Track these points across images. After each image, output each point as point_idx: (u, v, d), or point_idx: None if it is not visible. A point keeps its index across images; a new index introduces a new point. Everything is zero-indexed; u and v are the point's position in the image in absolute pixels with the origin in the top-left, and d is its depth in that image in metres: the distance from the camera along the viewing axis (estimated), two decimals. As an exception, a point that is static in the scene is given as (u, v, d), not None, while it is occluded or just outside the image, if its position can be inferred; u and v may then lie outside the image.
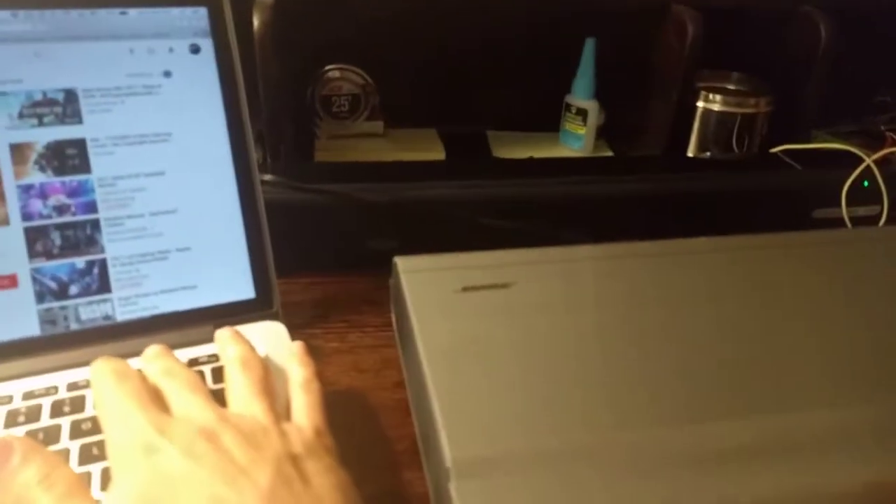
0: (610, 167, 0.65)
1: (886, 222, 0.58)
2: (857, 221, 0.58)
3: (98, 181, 0.39)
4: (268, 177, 0.48)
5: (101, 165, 0.39)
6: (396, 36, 0.64)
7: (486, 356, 0.33)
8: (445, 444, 0.28)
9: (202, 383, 0.31)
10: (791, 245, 0.46)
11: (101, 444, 0.32)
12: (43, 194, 0.38)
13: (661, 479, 0.28)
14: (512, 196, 0.53)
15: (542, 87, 0.69)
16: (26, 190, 0.38)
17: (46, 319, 0.38)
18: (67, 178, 0.38)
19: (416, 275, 0.39)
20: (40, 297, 0.38)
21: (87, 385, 0.36)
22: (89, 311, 0.39)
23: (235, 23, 0.42)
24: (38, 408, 0.34)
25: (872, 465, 0.30)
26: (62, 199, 0.38)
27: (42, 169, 0.38)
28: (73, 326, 0.39)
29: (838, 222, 0.58)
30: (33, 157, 0.38)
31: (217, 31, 0.42)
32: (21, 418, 0.34)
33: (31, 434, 0.33)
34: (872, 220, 0.58)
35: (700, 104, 0.65)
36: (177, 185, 0.41)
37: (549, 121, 0.71)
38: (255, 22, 0.51)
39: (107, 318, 0.39)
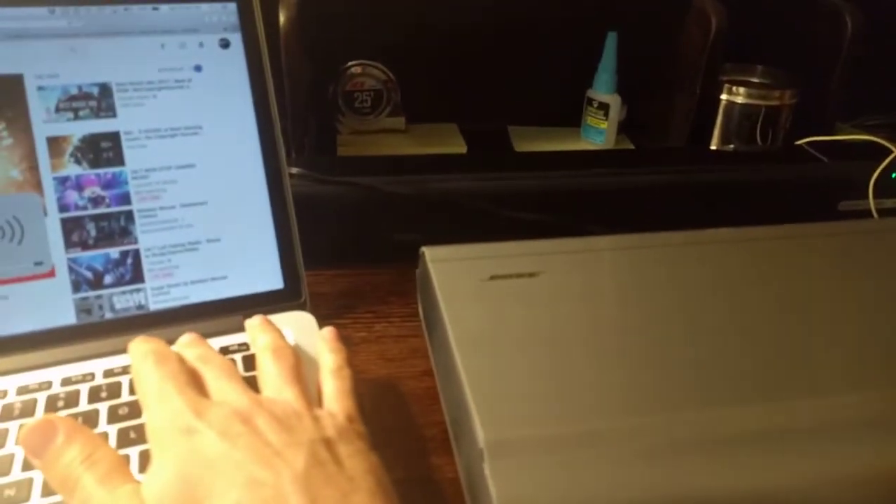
0: (632, 160, 0.65)
1: (914, 214, 0.57)
2: (884, 213, 0.57)
3: (131, 173, 0.40)
4: (295, 170, 0.49)
5: (134, 158, 0.40)
6: (418, 32, 0.65)
7: (514, 342, 0.34)
8: (478, 426, 0.28)
9: (236, 370, 0.31)
10: (814, 235, 0.45)
11: (137, 429, 0.33)
12: (79, 186, 0.39)
13: (691, 461, 0.28)
14: (535, 188, 0.54)
15: (564, 81, 0.69)
16: (62, 182, 0.39)
17: (82, 308, 0.39)
18: (102, 171, 0.39)
19: (444, 264, 0.39)
20: (76, 287, 0.39)
21: (122, 372, 0.37)
22: (123, 300, 0.40)
23: (262, 19, 0.43)
24: (77, 393, 0.35)
25: (886, 450, 0.29)
26: (97, 190, 0.39)
27: (78, 161, 0.39)
28: (108, 315, 0.39)
29: (865, 214, 0.57)
30: (69, 149, 0.39)
31: (246, 26, 0.42)
32: (60, 403, 0.35)
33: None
34: (900, 212, 0.58)
35: (724, 97, 0.65)
36: (207, 178, 0.41)
37: (570, 116, 0.71)
38: (282, 18, 0.52)
39: (140, 307, 0.40)
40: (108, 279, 0.39)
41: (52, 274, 0.38)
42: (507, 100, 0.71)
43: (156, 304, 0.40)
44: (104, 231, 0.39)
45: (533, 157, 0.64)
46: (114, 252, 0.40)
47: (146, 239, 0.40)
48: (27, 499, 0.30)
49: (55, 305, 0.38)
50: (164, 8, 0.41)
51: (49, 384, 0.36)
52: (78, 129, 0.39)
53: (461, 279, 0.38)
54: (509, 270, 0.38)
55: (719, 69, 0.64)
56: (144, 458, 0.31)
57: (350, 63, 0.65)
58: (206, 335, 0.37)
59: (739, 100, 0.65)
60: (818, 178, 0.59)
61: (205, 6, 0.42)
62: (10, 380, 0.36)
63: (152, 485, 0.25)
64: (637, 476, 0.27)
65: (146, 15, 0.40)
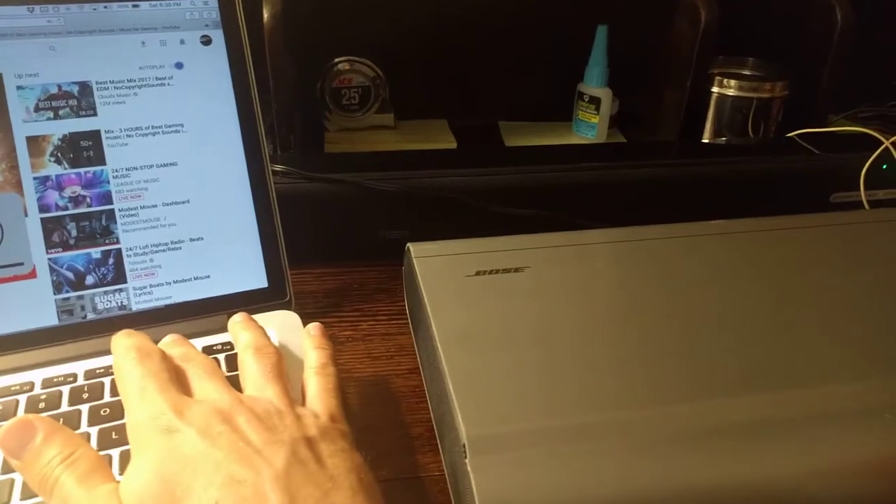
0: (624, 153, 0.64)
1: (906, 205, 0.57)
2: (875, 204, 0.57)
3: (112, 172, 0.40)
4: (279, 167, 0.48)
5: (115, 157, 0.40)
6: (407, 27, 0.64)
7: (498, 338, 0.33)
8: (461, 422, 0.28)
9: (218, 369, 0.31)
10: (806, 226, 0.45)
11: (119, 429, 0.33)
12: (59, 186, 0.39)
13: (670, 456, 0.28)
14: (525, 183, 0.53)
15: (554, 76, 0.69)
16: (43, 182, 0.38)
17: (64, 309, 0.38)
18: (83, 170, 0.39)
19: (429, 260, 0.39)
20: (58, 288, 0.38)
21: (104, 373, 0.36)
22: (105, 300, 0.39)
23: (246, 15, 0.42)
24: (58, 395, 0.35)
25: (880, 440, 0.29)
26: (78, 190, 0.39)
27: (58, 161, 0.39)
28: (90, 316, 0.39)
29: (857, 206, 0.57)
30: (49, 149, 0.38)
31: (228, 22, 0.42)
32: (42, 405, 0.34)
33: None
34: (892, 204, 0.57)
35: (715, 90, 0.65)
36: (189, 176, 0.41)
37: (561, 110, 0.71)
38: (265, 14, 0.51)
39: (122, 307, 0.40)
40: (89, 279, 0.39)
41: (33, 275, 0.38)
42: (497, 95, 0.70)
43: (138, 304, 0.40)
44: (85, 231, 0.39)
45: (523, 151, 0.64)
46: (95, 252, 0.39)
47: (128, 238, 0.40)
48: (7, 501, 0.29)
49: (36, 306, 0.38)
50: (145, 5, 0.40)
51: (31, 385, 0.35)
52: (58, 129, 0.39)
53: (446, 275, 0.38)
54: (495, 266, 0.38)
55: (710, 62, 0.64)
56: (126, 459, 0.31)
57: (337, 59, 0.65)
58: (190, 335, 0.36)
59: (731, 92, 0.65)
60: (810, 170, 0.59)
61: (186, 3, 0.41)
62: (-9, 382, 0.35)
63: (131, 484, 0.25)
64: (621, 470, 0.27)
65: (126, 13, 0.40)
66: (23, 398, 0.35)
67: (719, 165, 0.58)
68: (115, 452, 0.32)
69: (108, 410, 0.34)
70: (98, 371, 0.37)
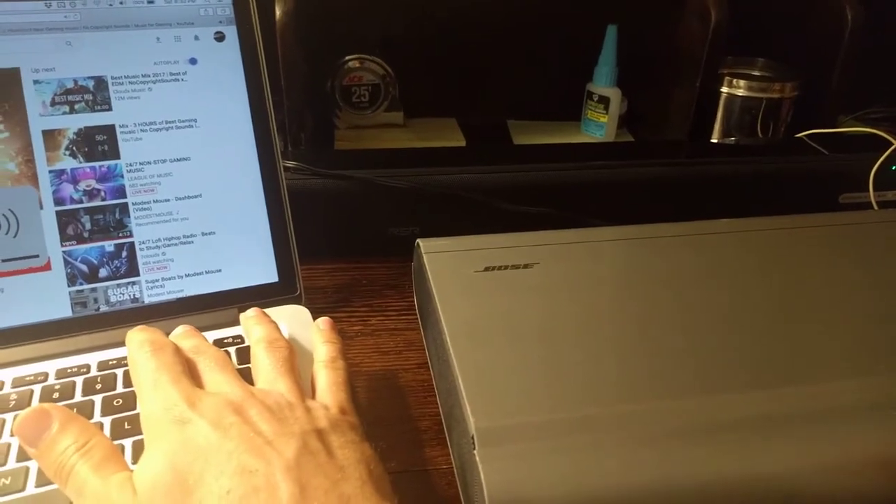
0: (632, 152, 0.64)
1: (915, 206, 0.57)
2: (885, 205, 0.57)
3: (126, 166, 0.40)
4: (290, 163, 0.49)
5: (129, 151, 0.40)
6: (417, 26, 0.65)
7: (507, 332, 0.34)
8: (469, 414, 0.28)
9: (230, 362, 0.32)
10: (813, 225, 0.45)
11: (132, 420, 0.33)
12: (74, 179, 0.39)
13: (674, 449, 0.28)
14: (534, 181, 0.53)
15: (563, 75, 0.69)
16: (58, 175, 0.39)
17: (77, 301, 0.39)
18: (97, 164, 0.39)
19: (439, 255, 0.39)
20: (72, 280, 0.39)
21: (117, 364, 0.37)
22: (118, 293, 0.40)
23: (258, 12, 0.43)
24: (72, 385, 0.35)
25: (883, 436, 0.29)
26: (92, 183, 0.39)
27: (73, 155, 0.39)
28: (103, 308, 0.39)
29: (866, 206, 0.57)
30: (65, 143, 0.39)
31: (241, 19, 0.42)
32: (56, 395, 0.35)
33: (65, 410, 0.34)
34: (901, 205, 0.57)
35: (724, 90, 0.65)
36: (202, 171, 0.41)
37: (570, 110, 0.71)
38: (278, 11, 0.52)
39: (135, 300, 0.40)
40: (103, 272, 0.39)
41: (47, 267, 0.38)
42: (506, 94, 0.71)
43: (150, 297, 0.40)
44: (99, 224, 0.39)
45: (532, 149, 0.64)
46: (109, 245, 0.40)
47: (141, 232, 0.40)
48: (22, 488, 0.30)
49: (51, 298, 0.38)
50: (160, 1, 0.41)
51: (45, 376, 0.36)
52: (73, 123, 0.39)
53: (455, 270, 0.38)
54: (503, 262, 0.38)
55: (720, 62, 0.64)
56: (138, 449, 0.31)
57: (348, 57, 0.65)
58: (201, 328, 0.37)
59: (740, 92, 0.65)
60: (819, 170, 0.59)
61: (200, 0, 0.42)
62: (6, 372, 0.36)
63: (145, 472, 0.25)
64: (626, 462, 0.27)
65: (141, 8, 0.40)
66: (37, 388, 0.35)
67: (728, 165, 0.58)
68: (128, 442, 0.32)
69: (120, 401, 0.35)
70: (111, 362, 0.37)
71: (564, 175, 0.55)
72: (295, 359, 0.33)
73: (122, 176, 0.40)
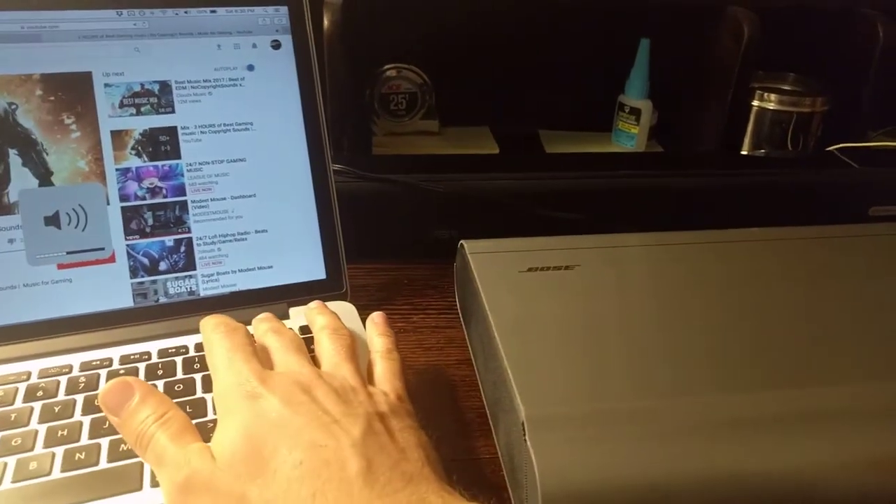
0: (663, 162, 0.66)
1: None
2: (916, 219, 0.57)
3: (187, 166, 0.42)
4: (337, 166, 0.51)
5: (189, 152, 0.42)
6: (454, 37, 0.67)
7: (550, 328, 0.35)
8: (520, 402, 0.29)
9: (302, 344, 0.33)
10: (841, 235, 0.46)
11: (192, 404, 0.35)
12: (138, 177, 0.41)
13: (713, 440, 0.29)
14: (567, 188, 0.55)
15: (596, 86, 0.71)
16: (124, 173, 0.41)
17: (139, 292, 0.41)
18: (160, 163, 0.42)
19: (483, 256, 0.41)
20: (134, 272, 0.41)
21: (176, 353, 0.39)
22: (176, 285, 0.42)
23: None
24: (135, 371, 0.37)
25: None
26: (155, 181, 0.42)
27: (138, 154, 0.41)
28: (162, 300, 0.42)
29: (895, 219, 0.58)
30: (131, 143, 0.41)
31: (296, 28, 0.45)
32: (120, 379, 0.37)
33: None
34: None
35: (755, 103, 0.66)
36: (256, 172, 0.44)
37: (602, 120, 0.72)
38: (326, 21, 0.54)
39: (191, 293, 0.42)
40: (162, 265, 0.42)
41: (112, 259, 0.41)
42: (539, 104, 0.72)
43: (206, 290, 0.42)
44: (160, 220, 0.42)
45: (566, 158, 0.66)
46: (169, 240, 0.42)
47: (198, 228, 0.42)
48: (96, 463, 0.32)
49: (114, 289, 0.41)
50: (221, 11, 0.43)
51: (109, 361, 0.38)
52: (139, 124, 0.41)
53: (499, 270, 0.39)
54: (545, 263, 0.40)
55: (752, 76, 0.65)
56: (202, 430, 0.33)
57: (386, 66, 0.67)
58: (251, 321, 0.39)
59: (771, 106, 0.66)
60: (848, 183, 0.60)
61: (258, 9, 0.44)
62: (74, 357, 0.38)
63: (222, 442, 0.27)
64: (666, 452, 0.29)
65: (205, 17, 0.43)
66: (103, 372, 0.37)
67: (757, 177, 0.59)
68: (190, 425, 0.34)
69: (181, 386, 0.37)
70: (170, 350, 0.39)
71: (596, 183, 0.56)
72: (356, 347, 0.34)
73: (182, 175, 0.42)
